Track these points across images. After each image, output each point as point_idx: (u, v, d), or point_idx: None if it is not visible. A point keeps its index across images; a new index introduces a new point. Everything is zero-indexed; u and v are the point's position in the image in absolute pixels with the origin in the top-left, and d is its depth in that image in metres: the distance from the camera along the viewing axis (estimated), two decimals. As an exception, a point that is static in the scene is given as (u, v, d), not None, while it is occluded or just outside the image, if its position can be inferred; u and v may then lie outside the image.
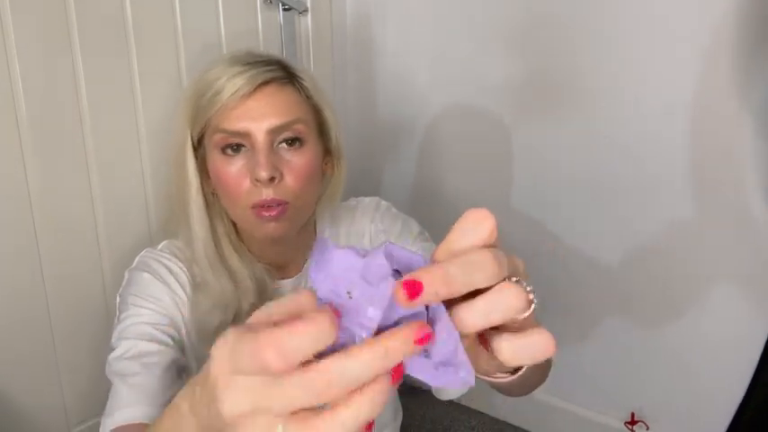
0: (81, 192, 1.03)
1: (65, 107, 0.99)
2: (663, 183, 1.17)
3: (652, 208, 1.20)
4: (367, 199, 0.91)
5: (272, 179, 0.68)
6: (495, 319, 0.31)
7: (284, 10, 1.31)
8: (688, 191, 1.15)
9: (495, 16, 1.29)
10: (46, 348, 1.04)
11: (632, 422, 1.32)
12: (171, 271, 0.76)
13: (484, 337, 0.34)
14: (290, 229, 0.73)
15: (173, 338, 0.72)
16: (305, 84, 0.74)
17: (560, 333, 1.27)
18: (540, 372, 0.68)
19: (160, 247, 0.80)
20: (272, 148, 0.69)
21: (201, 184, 0.74)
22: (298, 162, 0.71)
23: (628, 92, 1.17)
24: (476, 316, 0.30)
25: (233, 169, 0.70)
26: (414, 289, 0.28)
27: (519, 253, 0.33)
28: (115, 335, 0.72)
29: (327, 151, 0.79)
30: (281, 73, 0.71)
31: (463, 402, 1.61)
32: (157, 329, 0.71)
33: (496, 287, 0.31)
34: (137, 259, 0.79)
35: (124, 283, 0.77)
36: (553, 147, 1.28)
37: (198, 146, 0.74)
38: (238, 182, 0.70)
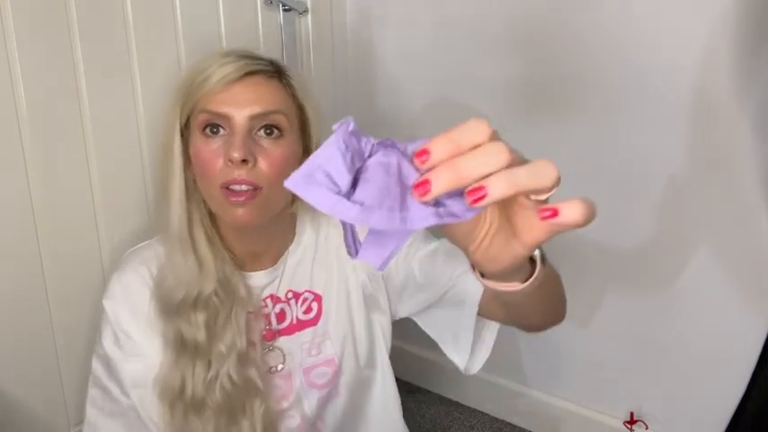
0: (81, 188, 1.04)
1: (65, 106, 0.99)
2: (663, 181, 1.17)
3: (652, 207, 1.20)
4: None
5: (244, 161, 0.70)
6: (530, 186, 0.35)
7: (284, 10, 1.32)
8: (688, 190, 1.15)
9: (496, 17, 1.29)
10: (46, 348, 1.04)
11: (632, 421, 1.32)
12: (138, 283, 0.81)
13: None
14: (259, 218, 0.74)
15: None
16: (292, 81, 0.77)
17: (560, 333, 1.28)
18: (554, 286, 0.67)
19: (129, 259, 0.84)
20: (249, 133, 0.72)
21: (184, 167, 0.76)
22: (274, 151, 0.73)
23: (627, 92, 1.17)
24: (512, 181, 0.34)
25: (210, 149, 0.72)
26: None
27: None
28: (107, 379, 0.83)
29: (308, 150, 0.80)
30: (270, 67, 0.75)
31: (462, 402, 1.61)
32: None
33: (534, 160, 0.35)
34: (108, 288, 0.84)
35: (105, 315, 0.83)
36: (553, 147, 1.28)
37: (185, 130, 0.77)
38: (213, 161, 0.72)
